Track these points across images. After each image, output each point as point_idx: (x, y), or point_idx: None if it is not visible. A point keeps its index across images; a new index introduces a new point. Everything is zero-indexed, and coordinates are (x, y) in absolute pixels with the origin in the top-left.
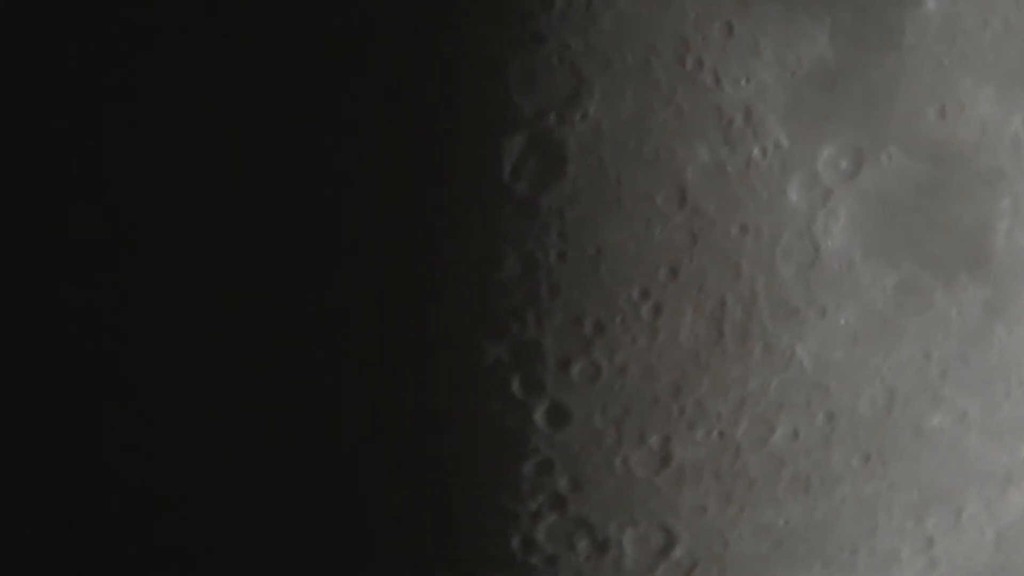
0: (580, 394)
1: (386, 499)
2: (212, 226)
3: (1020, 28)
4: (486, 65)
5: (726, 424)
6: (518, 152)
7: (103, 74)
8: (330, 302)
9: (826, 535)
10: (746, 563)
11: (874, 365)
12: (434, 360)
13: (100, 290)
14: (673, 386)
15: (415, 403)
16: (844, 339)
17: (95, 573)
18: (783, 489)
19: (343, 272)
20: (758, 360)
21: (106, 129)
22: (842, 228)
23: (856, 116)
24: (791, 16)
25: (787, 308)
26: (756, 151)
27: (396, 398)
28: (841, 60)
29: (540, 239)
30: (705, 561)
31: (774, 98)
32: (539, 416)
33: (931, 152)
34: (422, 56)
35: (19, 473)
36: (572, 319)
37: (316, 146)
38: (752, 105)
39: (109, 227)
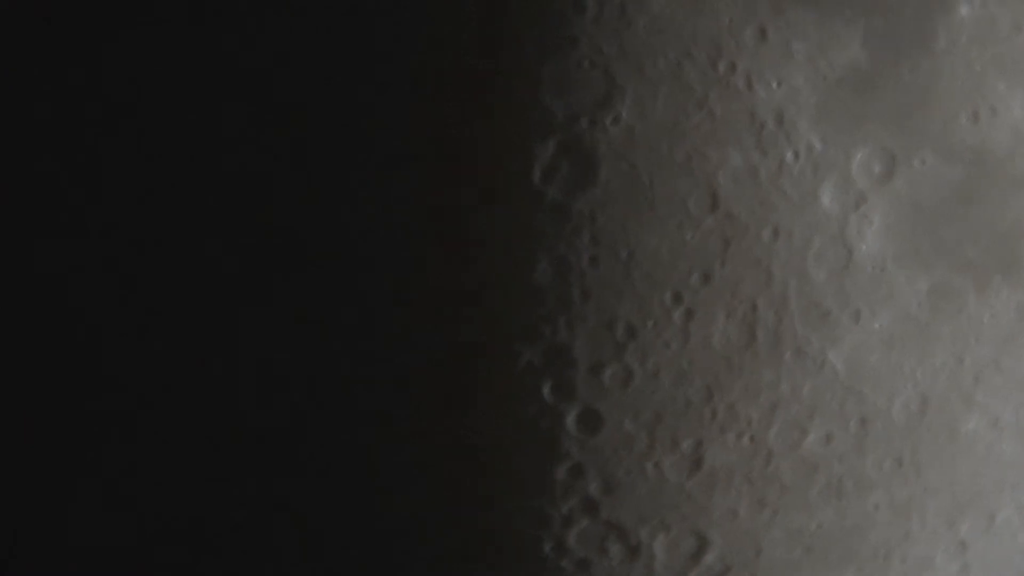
0: (612, 399)
1: (417, 503)
2: (240, 235)
3: None
4: (519, 69)
5: (758, 429)
6: (550, 156)
7: (113, 76)
8: (360, 308)
9: (859, 540)
10: (778, 568)
11: (907, 370)
12: (466, 364)
13: (118, 300)
14: (705, 390)
15: (447, 407)
16: (877, 344)
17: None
18: (816, 494)
19: (374, 277)
20: (790, 365)
21: (114, 127)
22: (875, 232)
23: (889, 120)
24: (824, 20)
25: (820, 312)
26: (789, 155)
27: (427, 402)
28: (874, 64)
29: (572, 243)
30: (737, 566)
31: (807, 102)
32: (571, 420)
33: (964, 156)
34: (454, 60)
35: (26, 475)
36: (604, 323)
37: (347, 150)
38: (785, 109)
39: (125, 230)
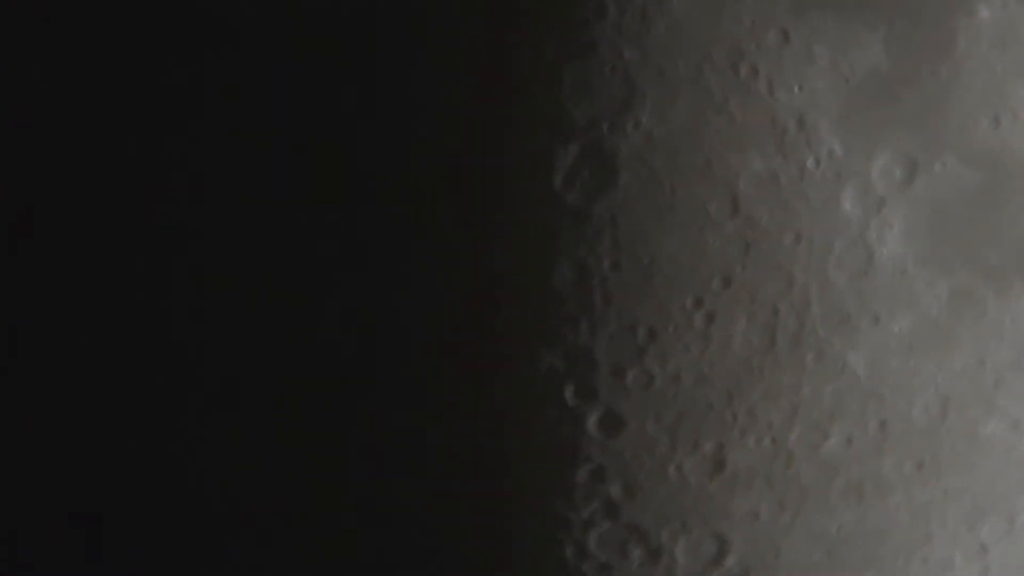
0: (633, 401)
1: (439, 506)
2: (281, 240)
3: None
4: (540, 74)
5: (779, 431)
6: (571, 161)
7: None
8: (384, 311)
9: (879, 542)
10: (798, 571)
11: (928, 373)
12: (488, 368)
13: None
14: (726, 394)
15: (469, 411)
16: (898, 347)
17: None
18: (836, 496)
19: (398, 282)
20: (811, 368)
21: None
22: (896, 236)
23: (910, 124)
24: (845, 24)
25: (840, 316)
26: (810, 160)
27: (449, 405)
28: (895, 68)
29: (593, 248)
30: (757, 569)
31: (828, 106)
32: (592, 423)
33: (985, 160)
34: (477, 65)
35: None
36: (625, 327)
37: (367, 155)
38: (806, 113)
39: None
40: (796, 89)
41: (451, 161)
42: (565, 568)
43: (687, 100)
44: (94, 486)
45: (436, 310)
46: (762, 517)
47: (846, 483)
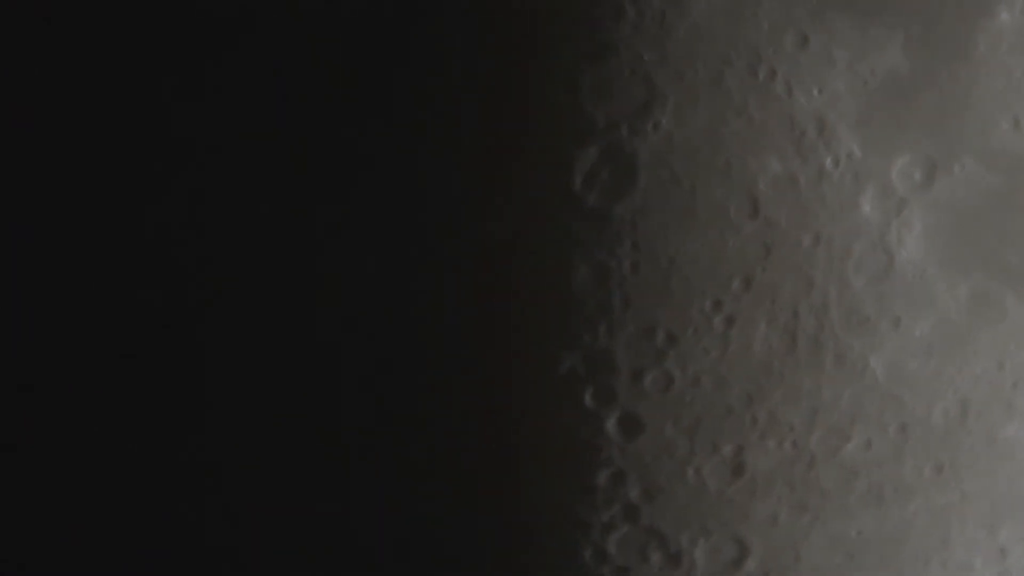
0: (653, 404)
1: (458, 508)
2: (287, 240)
3: None
4: (559, 76)
5: (799, 434)
6: (590, 163)
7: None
8: (404, 313)
9: (898, 546)
10: (818, 574)
11: (947, 375)
12: (508, 370)
13: (184, 292)
14: (746, 396)
15: (489, 413)
16: (917, 349)
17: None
18: (856, 500)
19: (417, 284)
20: (831, 371)
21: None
22: (915, 238)
23: (929, 126)
24: (864, 27)
25: (860, 318)
26: (828, 161)
27: (469, 408)
28: (914, 71)
29: (612, 249)
30: (777, 573)
31: (847, 108)
32: (611, 426)
33: (1004, 162)
34: (496, 67)
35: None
36: (645, 329)
37: (387, 159)
38: (825, 115)
39: (193, 227)
40: (815, 91)
41: (467, 162)
42: (585, 571)
43: (707, 102)
44: (93, 486)
45: (454, 312)
46: (782, 521)
47: (866, 487)
